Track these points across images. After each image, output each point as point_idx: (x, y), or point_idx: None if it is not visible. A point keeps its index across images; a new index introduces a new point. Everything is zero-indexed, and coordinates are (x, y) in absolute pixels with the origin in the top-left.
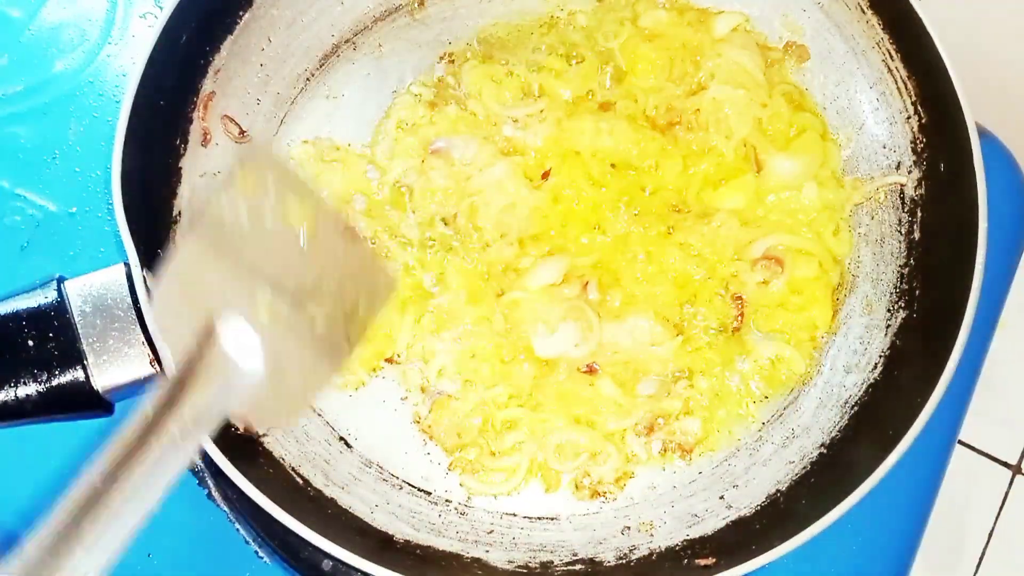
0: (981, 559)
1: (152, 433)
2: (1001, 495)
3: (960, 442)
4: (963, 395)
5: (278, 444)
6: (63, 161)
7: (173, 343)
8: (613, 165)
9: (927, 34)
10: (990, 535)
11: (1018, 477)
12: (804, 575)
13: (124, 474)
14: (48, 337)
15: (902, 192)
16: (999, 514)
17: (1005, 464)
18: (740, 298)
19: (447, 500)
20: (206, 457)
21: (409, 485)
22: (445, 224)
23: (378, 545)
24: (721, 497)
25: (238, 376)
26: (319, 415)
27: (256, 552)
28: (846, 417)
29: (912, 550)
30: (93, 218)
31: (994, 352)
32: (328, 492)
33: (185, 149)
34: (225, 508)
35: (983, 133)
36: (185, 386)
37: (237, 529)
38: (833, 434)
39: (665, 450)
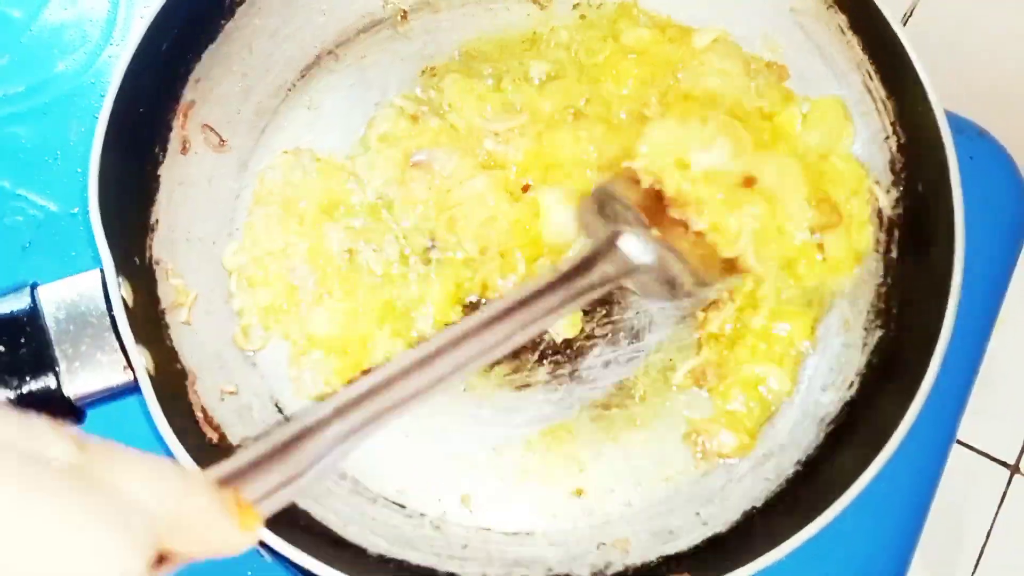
0: (979, 558)
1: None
2: (999, 494)
3: (958, 441)
4: (961, 394)
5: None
6: (64, 161)
7: (591, 234)
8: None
9: (907, 55)
10: (988, 534)
11: (1016, 476)
12: (801, 574)
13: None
14: (20, 343)
15: (880, 211)
16: (997, 513)
17: (1003, 463)
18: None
19: (422, 514)
20: None
21: (383, 498)
22: (425, 236)
23: (351, 558)
24: (697, 514)
25: (631, 265)
26: None
27: (256, 550)
28: (822, 435)
29: (910, 549)
30: None
31: (993, 351)
32: (301, 504)
33: (164, 157)
34: None
35: (982, 133)
36: (591, 263)
37: None
38: (809, 451)
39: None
